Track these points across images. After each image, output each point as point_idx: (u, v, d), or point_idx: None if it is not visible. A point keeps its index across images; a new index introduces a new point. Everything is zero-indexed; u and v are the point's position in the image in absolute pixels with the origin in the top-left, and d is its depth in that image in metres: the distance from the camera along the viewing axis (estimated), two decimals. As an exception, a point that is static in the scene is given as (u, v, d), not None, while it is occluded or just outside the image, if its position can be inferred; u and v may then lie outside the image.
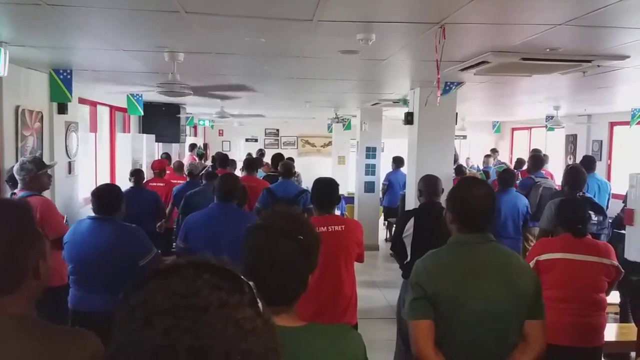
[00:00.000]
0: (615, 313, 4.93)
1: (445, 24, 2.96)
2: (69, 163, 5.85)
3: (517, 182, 6.22)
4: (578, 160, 7.81)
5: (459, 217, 2.03)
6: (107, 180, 7.58)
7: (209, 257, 0.65)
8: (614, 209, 5.89)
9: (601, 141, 9.50)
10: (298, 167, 7.58)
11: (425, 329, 1.94)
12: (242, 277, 0.64)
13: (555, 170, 9.99)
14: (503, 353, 1.95)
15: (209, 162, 10.32)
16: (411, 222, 3.72)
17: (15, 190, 3.79)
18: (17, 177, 3.69)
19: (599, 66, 4.01)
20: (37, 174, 3.70)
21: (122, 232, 3.30)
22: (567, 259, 3.08)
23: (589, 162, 6.02)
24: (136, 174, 6.06)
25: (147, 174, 7.74)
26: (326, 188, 3.48)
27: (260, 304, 0.63)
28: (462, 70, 4.33)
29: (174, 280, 0.61)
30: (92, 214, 3.33)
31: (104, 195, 3.32)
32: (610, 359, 4.52)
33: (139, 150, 8.49)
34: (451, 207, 2.07)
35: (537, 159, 6.60)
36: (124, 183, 6.01)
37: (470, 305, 1.92)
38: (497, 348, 1.94)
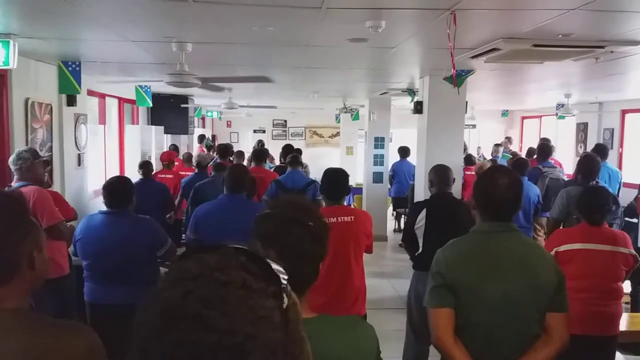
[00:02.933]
0: (626, 303, 4.90)
1: (456, 10, 2.92)
2: (78, 155, 5.87)
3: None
4: (589, 149, 7.73)
5: (483, 205, 2.03)
6: (117, 172, 7.62)
7: (256, 245, 0.69)
8: (625, 197, 5.83)
9: (612, 129, 9.39)
10: (306, 158, 7.58)
11: (445, 317, 1.94)
12: (277, 272, 0.65)
13: (566, 159, 9.92)
14: (523, 343, 1.94)
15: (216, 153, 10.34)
16: (423, 214, 3.68)
17: (12, 182, 3.78)
18: (13, 167, 3.66)
19: (612, 52, 3.94)
20: (33, 162, 3.70)
21: (138, 224, 3.31)
22: (587, 249, 3.06)
23: (601, 150, 5.96)
24: (145, 166, 6.07)
25: (156, 166, 7.78)
26: (336, 179, 3.46)
27: (286, 300, 0.64)
28: (473, 57, 4.28)
29: (212, 255, 0.64)
30: (104, 208, 3.33)
31: (117, 189, 3.31)
32: (620, 348, 4.49)
33: (147, 142, 8.52)
34: (476, 194, 2.06)
35: (545, 148, 6.54)
36: (133, 175, 6.02)
37: (489, 293, 1.91)
38: (516, 337, 1.93)
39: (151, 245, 3.30)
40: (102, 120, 7.67)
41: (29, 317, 1.32)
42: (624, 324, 3.90)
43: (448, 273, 1.96)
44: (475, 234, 2.07)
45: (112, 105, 8.13)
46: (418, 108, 5.88)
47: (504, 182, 1.98)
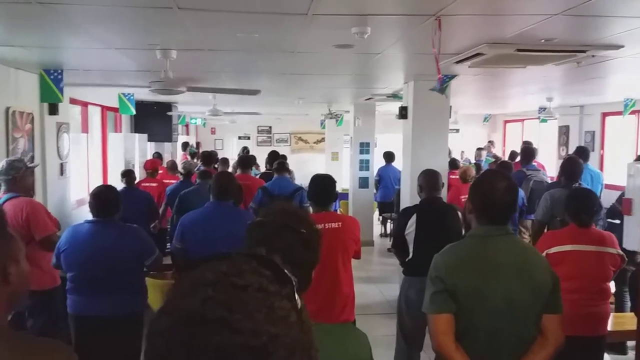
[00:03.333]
0: (611, 303, 4.96)
1: (440, 16, 2.94)
2: (61, 164, 5.78)
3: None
4: (571, 152, 7.84)
5: (480, 209, 2.03)
6: (100, 182, 7.52)
7: (261, 251, 0.72)
8: (606, 199, 5.91)
9: (594, 132, 9.54)
10: (291, 164, 7.56)
11: (445, 323, 1.93)
12: (287, 273, 0.67)
13: (549, 162, 10.04)
14: (521, 346, 1.95)
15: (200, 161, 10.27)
16: (413, 219, 3.68)
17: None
18: (3, 177, 3.56)
19: (593, 56, 4.01)
20: (25, 172, 3.63)
21: (126, 233, 3.28)
22: (577, 250, 3.10)
23: (583, 153, 6.05)
24: (127, 174, 6.01)
25: (140, 174, 7.69)
26: (323, 185, 3.45)
27: (298, 302, 0.66)
28: (457, 62, 4.31)
29: (224, 262, 0.66)
30: (88, 218, 3.28)
31: (105, 197, 3.26)
32: (606, 348, 4.55)
33: (131, 150, 8.43)
34: (472, 199, 2.07)
35: (528, 152, 6.62)
36: (116, 184, 5.95)
37: (489, 297, 1.91)
38: (515, 341, 1.94)
39: (139, 254, 3.26)
40: (85, 128, 7.57)
41: (6, 335, 1.28)
42: (609, 324, 3.95)
43: (448, 278, 1.95)
44: (473, 238, 2.07)
45: (94, 114, 8.03)
46: (403, 113, 5.91)
47: (502, 186, 1.99)
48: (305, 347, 0.64)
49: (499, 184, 2.00)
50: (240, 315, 0.59)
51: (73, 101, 6.61)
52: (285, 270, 0.68)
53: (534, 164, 6.55)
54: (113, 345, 3.03)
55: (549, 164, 9.83)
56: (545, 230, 4.29)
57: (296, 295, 0.66)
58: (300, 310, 0.65)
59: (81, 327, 3.16)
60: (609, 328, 3.74)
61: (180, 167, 7.12)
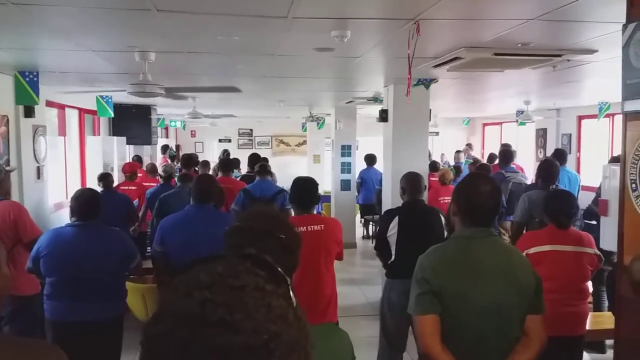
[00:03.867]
0: (589, 302, 5.05)
1: (419, 20, 2.97)
2: (38, 168, 5.68)
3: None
4: (548, 154, 7.97)
5: (464, 211, 2.04)
6: (78, 185, 7.41)
7: (252, 251, 0.73)
8: (583, 200, 6.02)
9: (570, 134, 9.72)
10: (273, 166, 7.54)
11: (431, 324, 1.93)
12: (281, 272, 0.69)
13: (527, 164, 10.19)
14: (506, 347, 1.96)
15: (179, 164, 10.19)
16: (395, 221, 3.70)
17: None
18: None
19: (568, 60, 4.09)
20: (4, 176, 3.61)
21: (111, 236, 3.25)
22: (555, 250, 3.15)
23: (560, 155, 6.15)
24: (104, 178, 5.94)
25: (118, 178, 7.60)
26: (305, 188, 3.45)
27: (294, 300, 0.67)
28: (436, 66, 4.37)
29: (218, 263, 0.66)
30: (70, 222, 3.23)
31: (88, 200, 3.22)
32: (585, 347, 4.62)
33: (109, 153, 8.32)
34: (457, 201, 2.08)
35: (507, 154, 6.70)
36: (95, 187, 5.87)
37: (475, 299, 1.92)
38: (500, 342, 1.95)
39: (124, 257, 3.24)
40: (62, 131, 7.45)
41: None
42: (588, 323, 4.02)
43: (434, 279, 1.95)
44: (458, 239, 2.07)
45: (72, 116, 7.91)
46: (383, 116, 5.95)
47: (486, 189, 2.01)
48: (302, 344, 0.65)
49: (484, 186, 2.02)
50: (240, 315, 0.60)
51: (50, 104, 6.50)
52: (280, 271, 0.69)
53: (512, 166, 6.64)
54: (93, 350, 2.98)
55: (527, 166, 9.97)
56: (524, 232, 4.35)
57: (291, 294, 0.68)
58: (296, 308, 0.67)
59: (60, 333, 3.09)
60: (587, 327, 3.81)
61: (160, 170, 7.05)
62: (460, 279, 1.95)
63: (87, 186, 6.87)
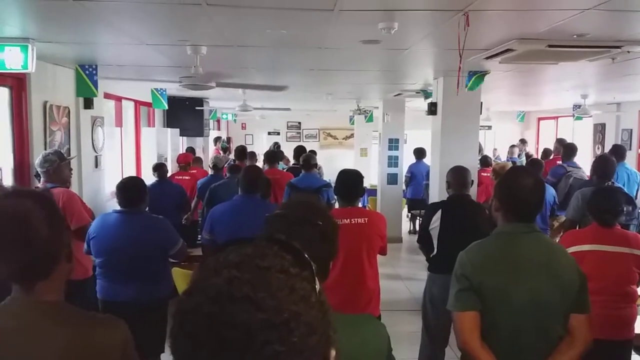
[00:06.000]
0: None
1: (469, 11, 2.91)
2: (96, 157, 5.95)
3: (549, 170, 6.14)
4: (607, 150, 7.62)
5: (507, 206, 2.01)
6: (133, 174, 7.69)
7: (281, 237, 0.76)
8: (645, 199, 5.74)
9: (631, 130, 9.25)
10: (320, 159, 7.59)
11: (471, 321, 1.92)
12: (307, 257, 0.72)
13: (584, 161, 9.79)
14: (547, 346, 1.92)
15: (232, 156, 10.40)
16: (438, 215, 3.67)
17: (38, 184, 3.87)
18: (39, 169, 3.76)
19: (628, 52, 3.89)
20: (60, 165, 3.78)
21: (151, 223, 3.39)
22: (597, 250, 2.99)
23: (619, 151, 5.88)
24: (159, 168, 6.14)
25: (172, 168, 7.85)
26: (350, 180, 3.45)
27: (317, 285, 0.69)
28: (487, 58, 4.26)
29: (247, 246, 0.70)
30: (118, 208, 3.39)
31: (129, 189, 3.39)
32: (637, 352, 4.42)
33: (163, 144, 8.60)
34: (499, 195, 2.05)
35: (572, 148, 6.47)
36: (149, 177, 6.09)
37: (515, 296, 1.89)
38: (540, 341, 1.91)
39: (162, 244, 3.36)
40: (119, 122, 7.76)
41: (67, 309, 1.38)
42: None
43: (473, 276, 1.93)
44: (499, 235, 2.04)
45: (128, 108, 8.23)
46: (432, 109, 5.86)
47: (529, 183, 1.97)
48: (324, 328, 0.67)
49: (526, 180, 1.98)
50: (264, 293, 0.62)
51: (107, 96, 6.79)
52: (306, 255, 0.71)
53: (575, 162, 6.40)
54: (139, 331, 3.12)
55: (583, 162, 9.58)
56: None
57: (316, 279, 0.69)
58: (319, 293, 0.68)
59: (108, 312, 3.27)
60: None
61: (209, 161, 7.25)
62: (500, 275, 1.92)
63: (142, 176, 7.16)
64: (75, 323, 1.33)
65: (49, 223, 1.31)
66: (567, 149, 6.45)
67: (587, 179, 5.87)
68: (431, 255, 3.75)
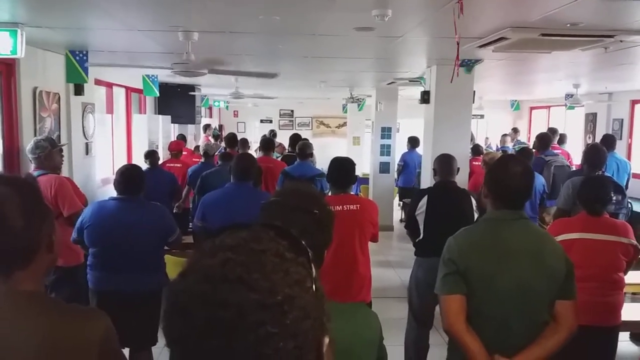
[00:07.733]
0: (634, 293, 4.87)
1: (462, -1, 2.90)
2: (86, 144, 5.91)
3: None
4: (597, 140, 7.67)
5: (495, 193, 2.03)
6: (124, 161, 7.65)
7: (278, 223, 0.75)
8: (634, 188, 5.80)
9: (622, 120, 9.31)
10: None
11: (456, 304, 1.95)
12: (303, 244, 0.72)
13: (575, 150, 9.85)
14: (532, 331, 1.94)
15: (223, 143, 10.36)
16: (424, 200, 3.73)
17: (30, 170, 3.84)
18: (31, 156, 3.73)
19: (621, 41, 3.90)
20: (51, 151, 3.75)
21: (151, 211, 3.36)
22: (586, 238, 3.02)
23: (609, 141, 5.92)
24: (151, 155, 6.10)
25: (164, 155, 7.81)
26: (343, 167, 3.47)
27: (313, 270, 0.69)
28: (480, 47, 4.25)
29: (244, 231, 0.71)
30: (114, 195, 3.34)
31: (133, 175, 3.34)
32: (635, 339, 4.49)
33: (155, 132, 8.54)
34: (488, 182, 2.07)
35: (545, 138, 6.51)
36: (140, 164, 6.05)
37: (501, 282, 1.92)
38: (526, 326, 1.94)
39: (163, 232, 3.35)
40: (110, 109, 7.70)
41: (46, 300, 1.35)
42: (639, 314, 3.87)
43: (460, 260, 1.96)
44: (487, 222, 2.07)
45: (119, 95, 8.16)
46: (425, 98, 5.86)
47: (518, 171, 1.99)
48: (319, 314, 0.67)
49: (515, 168, 2.00)
50: (258, 275, 0.62)
51: (98, 82, 6.72)
52: (302, 243, 0.71)
53: (552, 150, 6.44)
54: (133, 321, 3.11)
55: (575, 152, 9.65)
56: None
57: (312, 265, 0.69)
58: (315, 279, 0.68)
59: (102, 302, 3.24)
60: (636, 318, 3.68)
61: (201, 149, 7.21)
62: (487, 261, 1.94)
63: (133, 162, 7.11)
64: (53, 314, 1.29)
65: (25, 211, 1.26)
66: (540, 141, 6.50)
67: (568, 165, 5.92)
68: (417, 240, 3.79)
